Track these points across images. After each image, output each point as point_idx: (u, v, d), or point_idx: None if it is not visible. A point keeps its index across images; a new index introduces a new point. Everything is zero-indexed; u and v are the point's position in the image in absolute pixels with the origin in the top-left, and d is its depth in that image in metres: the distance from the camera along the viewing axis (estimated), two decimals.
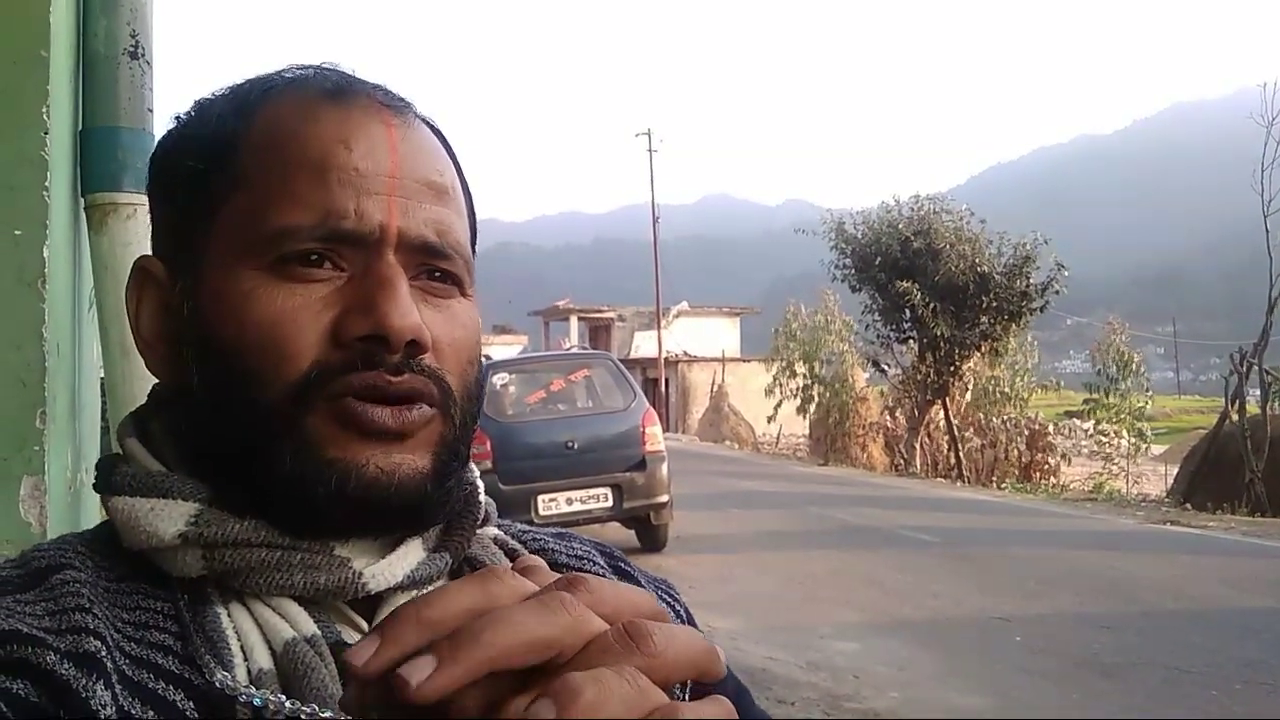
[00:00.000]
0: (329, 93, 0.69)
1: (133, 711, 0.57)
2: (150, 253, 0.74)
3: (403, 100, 0.72)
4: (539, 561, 0.50)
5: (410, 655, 0.41)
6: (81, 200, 1.60)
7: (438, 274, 0.69)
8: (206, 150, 0.69)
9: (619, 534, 10.52)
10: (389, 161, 0.67)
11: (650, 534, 10.55)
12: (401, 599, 0.68)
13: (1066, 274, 22.15)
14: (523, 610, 0.42)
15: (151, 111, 1.62)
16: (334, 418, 0.64)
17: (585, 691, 0.39)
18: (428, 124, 0.74)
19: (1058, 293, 22.15)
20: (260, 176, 0.67)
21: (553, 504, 9.80)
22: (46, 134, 1.42)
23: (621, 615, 0.44)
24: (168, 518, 0.65)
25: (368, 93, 0.70)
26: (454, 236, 0.70)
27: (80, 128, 1.59)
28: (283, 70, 0.72)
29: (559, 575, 0.47)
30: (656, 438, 10.39)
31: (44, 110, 1.42)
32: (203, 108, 0.72)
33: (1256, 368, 16.58)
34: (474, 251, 0.77)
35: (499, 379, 10.74)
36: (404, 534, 0.69)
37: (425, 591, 0.69)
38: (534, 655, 0.41)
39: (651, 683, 0.42)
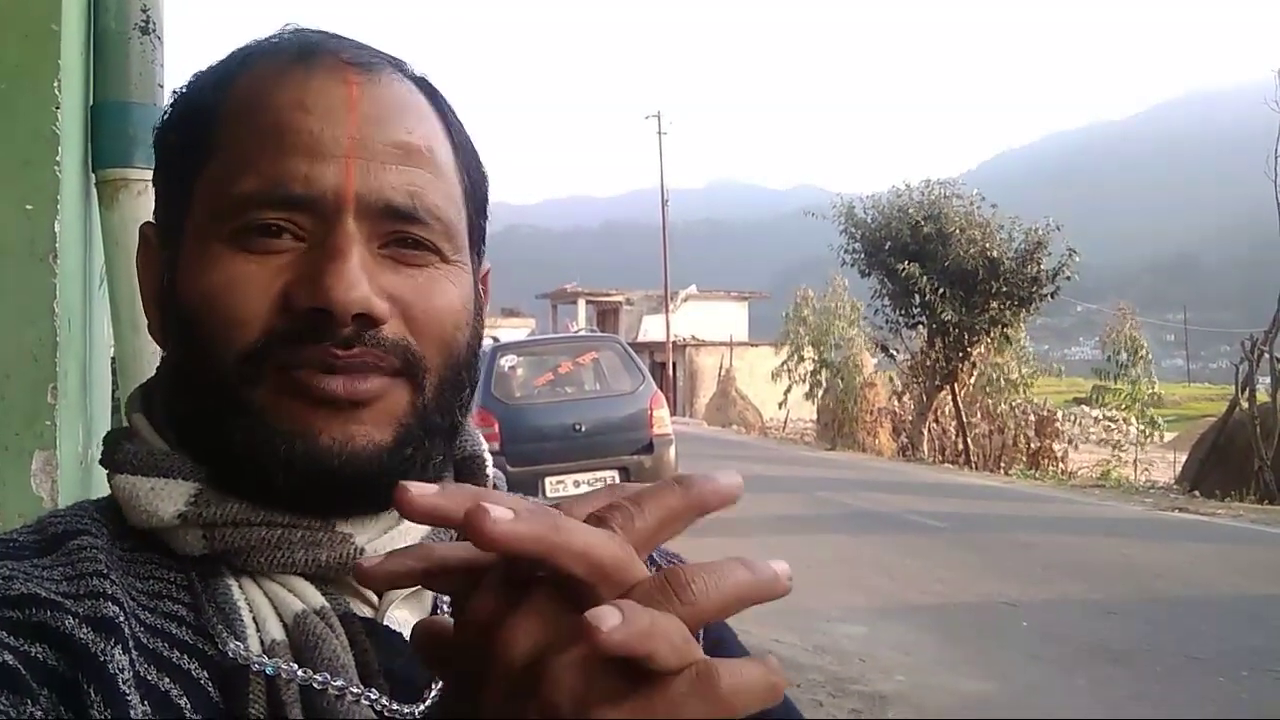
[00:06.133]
0: (296, 55, 0.67)
1: (149, 678, 0.57)
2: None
3: (377, 57, 0.69)
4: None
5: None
6: (92, 176, 1.60)
7: (409, 241, 0.67)
8: (189, 123, 0.69)
9: None
10: (348, 122, 0.65)
11: None
12: None
13: (1077, 259, 22.02)
14: (586, 529, 0.41)
15: (162, 87, 1.61)
16: (283, 389, 0.63)
17: (645, 620, 0.38)
18: (420, 81, 0.71)
19: (1068, 278, 22.01)
20: (228, 147, 0.66)
21: (560, 486, 9.80)
22: (58, 109, 1.42)
23: (657, 539, 0.44)
24: (168, 497, 0.65)
25: (334, 52, 0.68)
26: (428, 200, 0.67)
27: (91, 103, 1.59)
28: (268, 37, 0.71)
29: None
30: (664, 421, 10.38)
31: (55, 85, 1.42)
32: (193, 81, 0.72)
33: (1268, 355, 16.50)
34: (485, 215, 0.75)
35: (507, 361, 10.73)
36: (369, 506, 0.67)
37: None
38: (591, 570, 0.40)
39: (689, 634, 0.41)
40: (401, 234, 0.66)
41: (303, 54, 0.67)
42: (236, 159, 0.65)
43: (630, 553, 0.42)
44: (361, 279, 0.63)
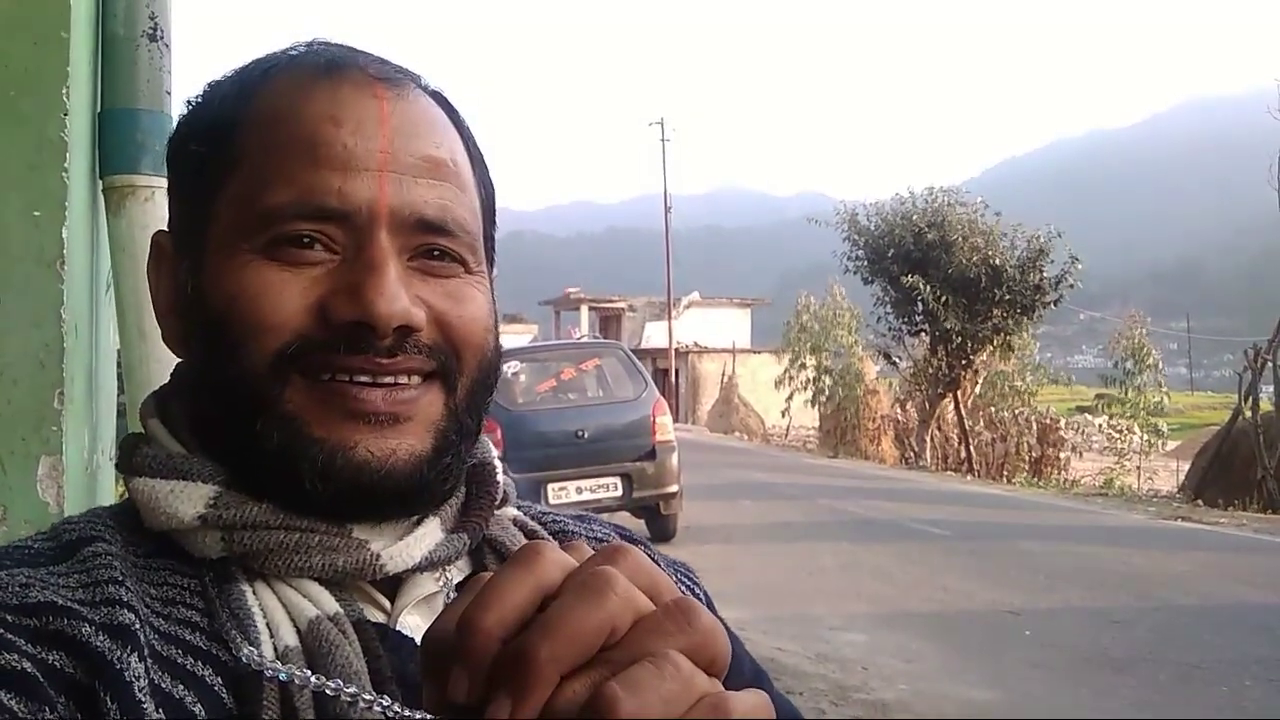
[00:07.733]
0: (322, 69, 0.68)
1: (163, 685, 0.57)
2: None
3: (401, 72, 0.70)
4: (580, 544, 0.49)
5: (485, 672, 0.41)
6: (99, 182, 1.60)
7: (436, 253, 0.68)
8: (209, 133, 0.69)
9: (628, 523, 10.49)
10: (380, 136, 0.66)
11: (660, 524, 10.56)
12: (421, 579, 0.68)
13: (1080, 267, 22.03)
14: (572, 605, 0.41)
15: (170, 94, 1.61)
16: (315, 394, 0.64)
17: (624, 702, 0.39)
18: (436, 95, 0.72)
19: (1071, 286, 22.04)
20: (255, 158, 0.66)
21: (562, 493, 9.81)
22: (66, 115, 1.42)
23: (659, 588, 0.44)
24: (187, 500, 0.65)
25: (360, 66, 0.68)
26: (456, 213, 0.68)
27: (99, 109, 1.60)
28: (286, 49, 0.72)
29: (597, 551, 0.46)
30: (666, 428, 10.40)
31: (64, 91, 1.42)
32: (210, 90, 0.72)
33: (1271, 364, 16.48)
34: (494, 225, 0.76)
35: (509, 367, 10.73)
36: (406, 515, 0.68)
37: (448, 573, 0.69)
38: (592, 651, 0.41)
39: (695, 667, 0.41)
40: (430, 246, 0.67)
41: (330, 67, 0.68)
42: (266, 170, 0.66)
43: (626, 590, 0.42)
44: (401, 292, 0.64)
